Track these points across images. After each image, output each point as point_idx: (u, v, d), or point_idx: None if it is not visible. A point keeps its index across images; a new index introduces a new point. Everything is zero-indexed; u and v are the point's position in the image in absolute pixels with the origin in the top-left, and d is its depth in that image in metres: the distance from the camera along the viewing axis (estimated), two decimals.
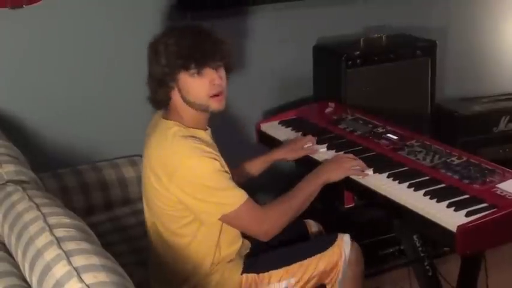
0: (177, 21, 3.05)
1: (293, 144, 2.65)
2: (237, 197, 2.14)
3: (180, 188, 2.11)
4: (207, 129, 2.28)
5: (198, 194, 2.11)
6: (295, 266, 2.28)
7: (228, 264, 2.31)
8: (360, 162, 2.40)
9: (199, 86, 2.15)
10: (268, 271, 2.28)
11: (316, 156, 2.58)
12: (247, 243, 2.43)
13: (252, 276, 2.28)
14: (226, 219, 2.16)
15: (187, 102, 2.18)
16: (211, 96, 2.16)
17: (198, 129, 2.22)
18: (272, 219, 2.20)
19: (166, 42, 2.14)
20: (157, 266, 2.33)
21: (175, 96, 2.19)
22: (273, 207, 2.23)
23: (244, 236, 2.39)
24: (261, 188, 2.85)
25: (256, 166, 2.63)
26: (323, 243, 2.34)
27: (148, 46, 2.21)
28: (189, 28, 2.21)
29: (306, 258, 2.29)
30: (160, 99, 2.22)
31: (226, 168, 2.18)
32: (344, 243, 2.31)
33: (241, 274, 2.29)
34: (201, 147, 2.11)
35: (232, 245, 2.33)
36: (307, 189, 2.30)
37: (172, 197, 2.14)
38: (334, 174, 2.35)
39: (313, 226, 2.62)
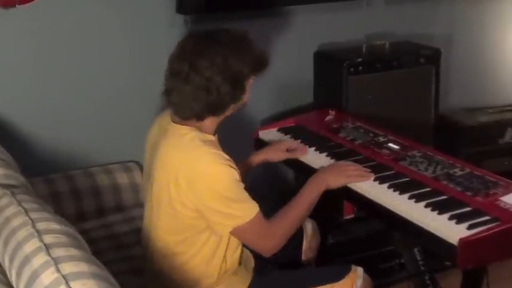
0: (176, 26, 3.05)
1: (276, 144, 2.70)
2: (251, 210, 2.15)
3: (197, 196, 2.11)
4: (215, 134, 2.29)
5: (215, 203, 2.11)
6: None
7: (233, 277, 2.31)
8: (359, 167, 2.42)
9: (247, 92, 2.25)
10: None
11: (312, 164, 2.58)
12: (250, 256, 2.44)
13: None
14: (236, 232, 2.16)
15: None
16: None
17: (211, 134, 2.24)
18: (277, 235, 2.23)
19: (227, 49, 2.13)
20: (156, 273, 2.32)
21: None
22: (278, 222, 2.24)
23: (247, 248, 2.40)
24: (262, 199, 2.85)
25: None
26: (336, 272, 2.34)
27: (190, 50, 2.15)
28: (241, 32, 2.22)
29: (318, 286, 2.29)
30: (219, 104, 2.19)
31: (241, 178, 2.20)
32: (357, 276, 2.32)
33: None
34: (222, 155, 2.13)
35: (235, 252, 2.33)
36: (309, 199, 2.31)
37: (188, 204, 2.14)
38: (335, 182, 2.36)
39: (307, 223, 2.63)
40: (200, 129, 2.19)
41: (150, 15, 3.06)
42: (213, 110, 2.17)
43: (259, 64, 2.21)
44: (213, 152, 2.12)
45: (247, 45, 2.18)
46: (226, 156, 2.14)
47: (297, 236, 2.56)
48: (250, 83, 2.23)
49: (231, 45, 2.15)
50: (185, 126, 2.19)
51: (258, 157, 2.66)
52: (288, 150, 2.66)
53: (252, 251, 2.42)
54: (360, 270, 2.34)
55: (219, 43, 2.14)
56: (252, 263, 2.42)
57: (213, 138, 2.23)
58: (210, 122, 2.22)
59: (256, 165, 2.66)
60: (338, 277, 2.30)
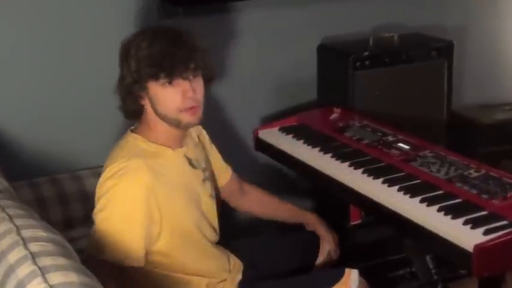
0: (167, 18, 3.05)
1: (330, 237, 2.63)
2: (119, 252, 2.05)
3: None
4: (181, 147, 2.23)
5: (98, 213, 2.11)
6: None
7: (218, 285, 2.30)
8: None
9: (170, 98, 2.09)
10: None
11: (317, 166, 2.59)
12: (239, 264, 2.41)
13: None
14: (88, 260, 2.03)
15: (158, 115, 2.14)
16: (182, 110, 2.11)
17: (167, 146, 2.17)
18: None
19: (138, 45, 2.09)
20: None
21: (147, 106, 2.16)
22: None
23: (234, 253, 2.40)
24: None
25: (283, 213, 2.65)
26: (329, 277, 2.35)
27: (120, 47, 2.17)
28: (163, 31, 2.15)
29: None
30: (130, 108, 2.18)
31: (153, 216, 2.09)
32: (351, 280, 2.32)
33: None
34: (138, 175, 2.06)
35: (218, 264, 2.32)
36: None
37: None
38: None
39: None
40: (151, 139, 2.16)
41: (141, 10, 3.06)
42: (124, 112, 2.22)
43: (153, 67, 2.06)
44: (127, 166, 2.07)
45: (145, 46, 2.08)
46: (146, 179, 2.06)
47: (315, 243, 2.58)
48: (157, 87, 2.10)
49: (131, 45, 2.12)
50: (133, 134, 2.19)
51: (307, 218, 2.65)
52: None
53: (243, 261, 2.41)
54: (354, 273, 2.34)
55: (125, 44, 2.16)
56: (239, 273, 2.39)
57: (167, 152, 2.17)
58: (161, 130, 2.17)
59: (289, 219, 2.66)
60: (331, 282, 2.31)
